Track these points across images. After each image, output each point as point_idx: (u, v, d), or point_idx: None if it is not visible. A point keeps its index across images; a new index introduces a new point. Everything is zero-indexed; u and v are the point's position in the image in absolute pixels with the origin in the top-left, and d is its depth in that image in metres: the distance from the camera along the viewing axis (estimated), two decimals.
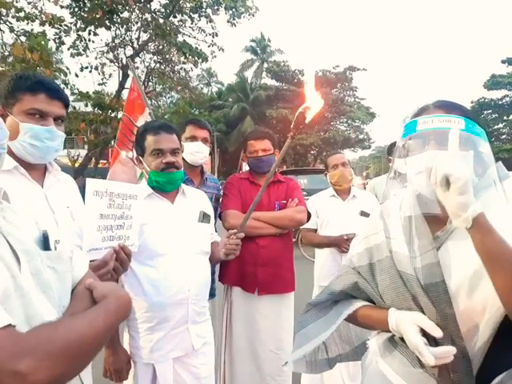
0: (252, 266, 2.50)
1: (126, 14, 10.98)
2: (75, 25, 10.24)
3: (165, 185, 1.87)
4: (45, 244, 0.94)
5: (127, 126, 3.37)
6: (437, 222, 1.15)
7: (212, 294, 2.36)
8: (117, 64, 11.97)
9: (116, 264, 1.49)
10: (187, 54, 11.62)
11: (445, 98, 1.18)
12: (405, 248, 1.17)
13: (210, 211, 2.10)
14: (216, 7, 11.73)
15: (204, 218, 2.00)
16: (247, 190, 2.62)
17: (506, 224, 0.99)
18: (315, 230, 3.10)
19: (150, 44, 12.29)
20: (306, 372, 1.46)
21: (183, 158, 2.19)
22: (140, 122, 3.24)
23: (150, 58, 12.99)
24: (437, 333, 1.02)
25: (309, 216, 2.71)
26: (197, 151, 2.46)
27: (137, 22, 11.47)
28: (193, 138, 2.48)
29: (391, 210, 1.28)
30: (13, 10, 7.82)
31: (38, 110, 1.41)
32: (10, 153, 1.42)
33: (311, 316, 1.41)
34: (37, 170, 1.50)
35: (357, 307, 1.28)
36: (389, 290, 1.19)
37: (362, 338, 1.49)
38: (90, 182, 1.44)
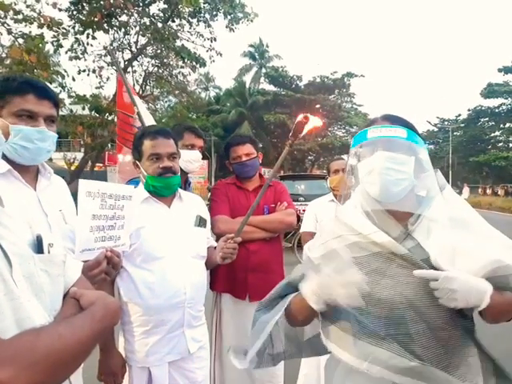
0: (242, 271, 2.46)
1: (124, 18, 11.01)
2: (73, 28, 10.25)
3: (162, 190, 1.87)
4: (38, 247, 0.92)
5: (124, 120, 3.29)
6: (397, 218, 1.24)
7: None
8: (115, 67, 11.99)
9: (108, 267, 1.49)
10: (185, 59, 11.66)
11: (391, 113, 1.36)
12: (387, 236, 1.22)
13: (207, 216, 2.10)
14: (214, 13, 11.79)
15: (200, 222, 2.00)
16: (235, 195, 2.60)
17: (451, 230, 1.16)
18: (315, 234, 3.10)
19: (148, 48, 12.31)
20: (250, 367, 1.44)
21: None
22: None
23: (148, 62, 13.02)
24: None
25: (298, 219, 2.69)
26: (195, 160, 2.45)
27: (135, 26, 11.50)
28: (191, 147, 2.47)
29: (349, 211, 1.32)
30: (11, 12, 7.81)
31: (26, 110, 1.40)
32: (2, 156, 1.41)
33: (260, 313, 1.43)
34: (29, 173, 1.49)
35: (295, 294, 1.34)
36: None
37: (307, 334, 1.50)
38: (83, 183, 1.44)
